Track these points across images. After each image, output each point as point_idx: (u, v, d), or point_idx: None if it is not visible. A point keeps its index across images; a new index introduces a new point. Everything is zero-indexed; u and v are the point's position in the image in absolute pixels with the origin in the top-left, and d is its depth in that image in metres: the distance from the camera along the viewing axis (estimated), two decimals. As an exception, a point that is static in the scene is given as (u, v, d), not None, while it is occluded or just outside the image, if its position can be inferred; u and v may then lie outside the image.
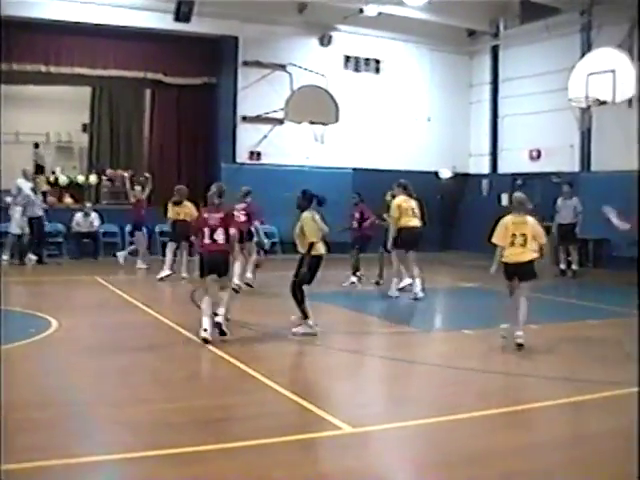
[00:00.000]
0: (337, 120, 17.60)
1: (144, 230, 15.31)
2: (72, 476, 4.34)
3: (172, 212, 13.47)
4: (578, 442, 5.20)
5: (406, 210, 11.40)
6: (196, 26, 16.80)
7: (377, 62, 19.97)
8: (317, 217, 8.37)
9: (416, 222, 11.50)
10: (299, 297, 8.27)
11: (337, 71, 19.20)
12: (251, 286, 11.96)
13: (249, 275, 12.13)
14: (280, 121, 17.87)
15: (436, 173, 20.32)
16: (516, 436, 5.20)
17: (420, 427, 5.34)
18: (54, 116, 19.17)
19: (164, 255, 13.69)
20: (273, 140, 18.40)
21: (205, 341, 7.65)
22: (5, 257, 15.03)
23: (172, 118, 18.40)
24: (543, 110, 18.14)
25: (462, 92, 20.99)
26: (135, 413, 5.47)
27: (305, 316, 8.31)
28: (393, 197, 11.88)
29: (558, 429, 5.50)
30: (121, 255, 15.73)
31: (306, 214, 8.36)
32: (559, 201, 15.18)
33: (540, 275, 8.09)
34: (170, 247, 13.48)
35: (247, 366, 6.81)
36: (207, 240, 7.98)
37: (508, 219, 7.99)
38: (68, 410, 5.52)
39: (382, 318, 10.18)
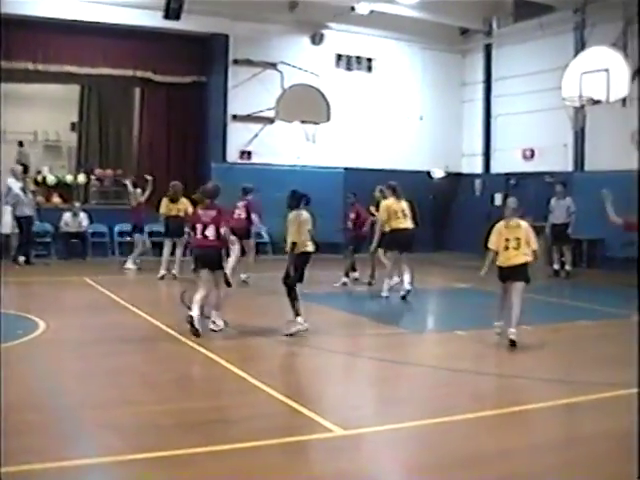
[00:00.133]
0: (329, 119, 17.50)
1: (144, 233, 15.17)
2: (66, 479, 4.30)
3: (165, 208, 13.38)
4: (573, 444, 5.18)
5: (396, 212, 11.25)
6: (186, 24, 16.60)
7: (369, 61, 19.89)
8: (304, 217, 8.33)
9: (408, 223, 11.37)
10: (292, 295, 8.33)
11: (329, 70, 19.11)
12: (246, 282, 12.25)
13: (243, 276, 12.30)
14: (271, 120, 17.75)
15: (428, 173, 20.25)
16: (510, 438, 5.16)
17: (413, 429, 5.28)
18: (42, 114, 18.91)
19: (157, 255, 13.55)
20: (264, 139, 18.28)
21: (192, 325, 7.95)
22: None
23: (162, 117, 18.26)
24: (536, 109, 18.08)
25: (455, 91, 20.92)
26: (123, 415, 5.42)
27: (296, 314, 8.31)
28: (382, 193, 11.81)
29: (552, 431, 5.47)
30: (129, 263, 14.72)
31: (293, 213, 8.35)
32: (552, 201, 15.15)
33: (533, 276, 8.19)
34: (167, 245, 13.40)
35: (237, 367, 6.76)
36: (199, 236, 8.44)
37: (501, 224, 8.15)
38: (58, 413, 5.48)
39: (374, 319, 10.09)
